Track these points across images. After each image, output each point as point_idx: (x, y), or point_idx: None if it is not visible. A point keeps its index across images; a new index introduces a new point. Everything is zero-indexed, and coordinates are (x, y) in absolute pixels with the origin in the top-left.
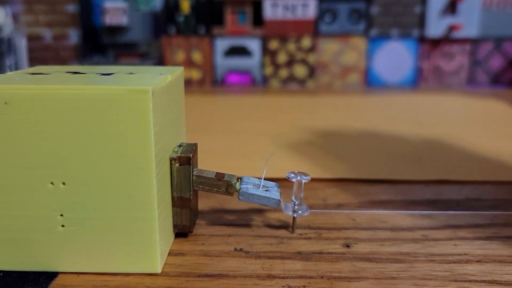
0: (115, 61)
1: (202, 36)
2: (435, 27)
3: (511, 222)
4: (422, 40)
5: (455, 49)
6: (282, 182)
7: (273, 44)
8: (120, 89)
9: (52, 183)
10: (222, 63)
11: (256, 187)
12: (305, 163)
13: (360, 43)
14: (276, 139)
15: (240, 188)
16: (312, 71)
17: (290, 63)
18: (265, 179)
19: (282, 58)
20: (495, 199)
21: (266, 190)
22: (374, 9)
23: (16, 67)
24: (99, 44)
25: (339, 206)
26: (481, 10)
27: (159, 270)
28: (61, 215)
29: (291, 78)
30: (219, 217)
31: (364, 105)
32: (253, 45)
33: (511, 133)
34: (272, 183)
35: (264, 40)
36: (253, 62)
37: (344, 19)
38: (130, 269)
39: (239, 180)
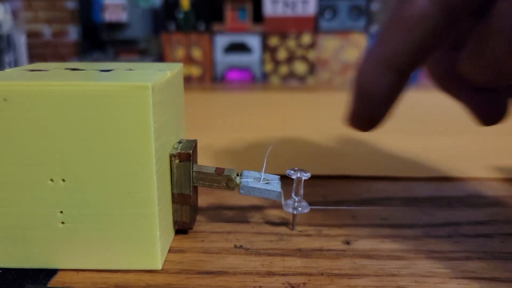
0: (115, 58)
1: (202, 33)
2: None
3: (511, 219)
4: None
5: None
6: (282, 180)
7: (273, 41)
8: (120, 85)
9: (51, 180)
10: (222, 59)
11: (256, 180)
12: (305, 160)
13: (360, 39)
14: (276, 135)
15: (240, 182)
16: (312, 68)
17: (290, 59)
18: None
19: (282, 54)
20: (496, 196)
21: (267, 183)
22: (374, 6)
23: (16, 63)
24: (99, 41)
25: (339, 203)
26: None
27: (159, 267)
28: (61, 212)
29: (291, 75)
30: (218, 214)
31: None
32: (253, 41)
33: (511, 130)
34: (273, 176)
35: (264, 37)
36: (253, 58)
37: (344, 15)
38: (131, 266)
39: (239, 174)
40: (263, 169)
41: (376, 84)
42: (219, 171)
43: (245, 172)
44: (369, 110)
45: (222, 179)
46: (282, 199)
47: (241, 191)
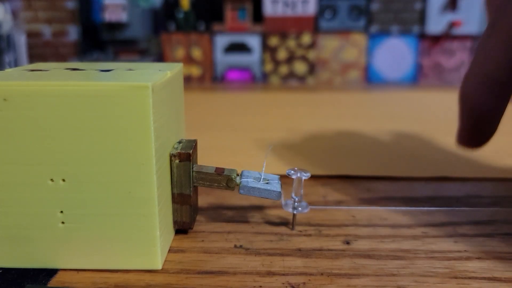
0: (115, 58)
1: (202, 33)
2: (436, 23)
3: (511, 219)
4: (422, 36)
5: (455, 45)
6: (282, 179)
7: (273, 41)
8: (120, 85)
9: (52, 179)
10: (222, 59)
11: (256, 180)
12: (305, 160)
13: (360, 39)
14: (276, 135)
15: (240, 182)
16: (312, 68)
17: (290, 59)
18: None
19: (282, 54)
20: (495, 196)
21: (267, 183)
22: (374, 6)
23: (16, 63)
24: (99, 41)
25: (339, 203)
26: (481, 6)
27: (160, 267)
28: (61, 212)
29: (291, 75)
30: (218, 214)
31: (364, 102)
32: (253, 41)
33: (511, 130)
34: (273, 176)
35: (264, 37)
36: (253, 58)
37: (344, 15)
38: (131, 266)
39: (239, 174)
40: (263, 169)
41: (482, 99)
42: (219, 171)
43: (245, 172)
44: (478, 126)
45: (222, 179)
46: (282, 199)
47: (241, 191)
